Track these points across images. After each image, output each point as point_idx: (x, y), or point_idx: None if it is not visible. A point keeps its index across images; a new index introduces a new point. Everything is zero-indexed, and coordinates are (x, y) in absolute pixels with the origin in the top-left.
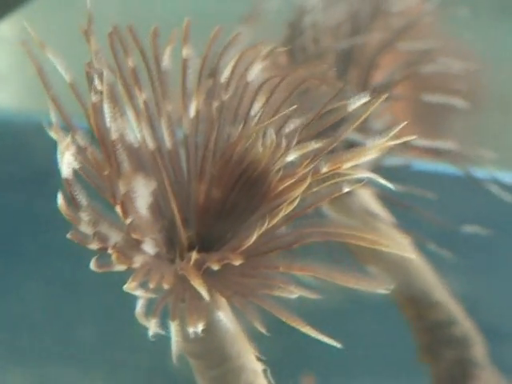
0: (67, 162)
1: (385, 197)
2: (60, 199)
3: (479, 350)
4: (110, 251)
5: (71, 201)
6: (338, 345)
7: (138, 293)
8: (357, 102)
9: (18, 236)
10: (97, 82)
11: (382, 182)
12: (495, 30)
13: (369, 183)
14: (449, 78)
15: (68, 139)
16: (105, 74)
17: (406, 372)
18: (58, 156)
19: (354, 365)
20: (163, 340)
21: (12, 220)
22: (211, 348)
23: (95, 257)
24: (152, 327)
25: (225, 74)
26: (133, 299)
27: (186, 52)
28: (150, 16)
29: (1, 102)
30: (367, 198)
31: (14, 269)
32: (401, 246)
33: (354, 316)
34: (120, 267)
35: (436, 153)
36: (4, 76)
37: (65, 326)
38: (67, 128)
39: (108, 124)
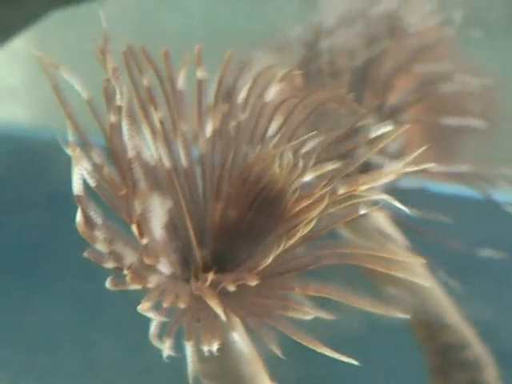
0: (78, 179)
1: (399, 220)
2: (78, 216)
3: (491, 373)
4: (124, 271)
5: (86, 219)
6: (355, 362)
7: (151, 315)
8: (378, 131)
9: (36, 255)
10: (116, 98)
11: (397, 204)
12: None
13: (384, 206)
14: (463, 98)
15: (79, 155)
16: (123, 91)
17: None
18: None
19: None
20: (180, 360)
21: (30, 239)
22: (225, 369)
23: (111, 276)
24: (166, 348)
25: (242, 95)
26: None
27: (200, 74)
28: (164, 33)
29: (15, 118)
30: (382, 221)
31: (33, 288)
32: (414, 271)
33: (367, 337)
34: (135, 286)
35: (451, 175)
36: (18, 91)
37: (83, 345)
38: (84, 145)
39: (125, 142)
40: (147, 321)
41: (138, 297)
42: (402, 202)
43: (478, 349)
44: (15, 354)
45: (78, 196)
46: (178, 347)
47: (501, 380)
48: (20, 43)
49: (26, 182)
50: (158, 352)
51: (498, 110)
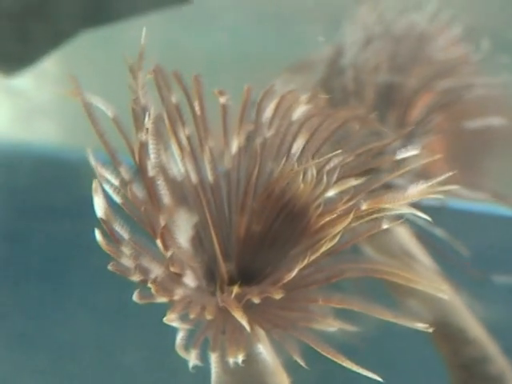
0: (100, 203)
1: (424, 238)
2: (98, 235)
3: None
4: (149, 284)
5: (111, 236)
6: (378, 378)
7: (177, 324)
8: (405, 154)
9: (66, 265)
10: (146, 117)
11: (422, 217)
12: None
13: (409, 224)
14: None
15: (104, 172)
16: (152, 110)
17: None
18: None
19: None
20: (204, 370)
21: (60, 249)
22: (250, 380)
23: (137, 289)
24: (192, 359)
25: (267, 113)
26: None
27: (222, 100)
28: (190, 56)
29: (44, 137)
30: (407, 239)
31: (61, 295)
32: (436, 285)
33: (389, 350)
34: (161, 299)
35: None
36: (47, 110)
37: (108, 351)
38: (112, 162)
39: (151, 160)
40: (172, 330)
41: (165, 305)
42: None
43: (501, 362)
44: (42, 359)
45: (101, 219)
46: (204, 358)
47: None
48: (48, 63)
49: (55, 192)
50: (182, 361)
51: None
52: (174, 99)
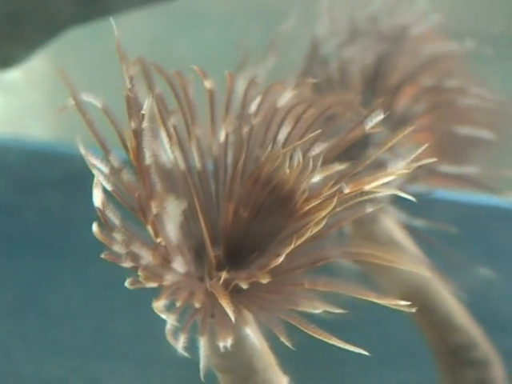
0: (98, 194)
1: (409, 228)
2: (95, 227)
3: (498, 371)
4: (139, 271)
5: (104, 224)
6: (365, 352)
7: (164, 315)
8: (372, 122)
9: (58, 238)
10: (143, 106)
11: (405, 197)
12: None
13: (394, 213)
14: (473, 110)
15: (99, 179)
16: (148, 99)
17: None
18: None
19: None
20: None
21: (48, 220)
22: (238, 362)
23: (130, 275)
24: (181, 344)
25: (255, 101)
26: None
27: (208, 84)
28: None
29: (35, 134)
30: (393, 227)
31: (51, 266)
32: (418, 265)
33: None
34: (151, 285)
35: (460, 180)
36: (37, 108)
37: (98, 319)
38: (102, 150)
39: (145, 148)
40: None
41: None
42: (411, 211)
43: (485, 348)
44: (33, 327)
45: (98, 208)
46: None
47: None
48: (37, 60)
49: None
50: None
51: (507, 124)
52: (157, 90)
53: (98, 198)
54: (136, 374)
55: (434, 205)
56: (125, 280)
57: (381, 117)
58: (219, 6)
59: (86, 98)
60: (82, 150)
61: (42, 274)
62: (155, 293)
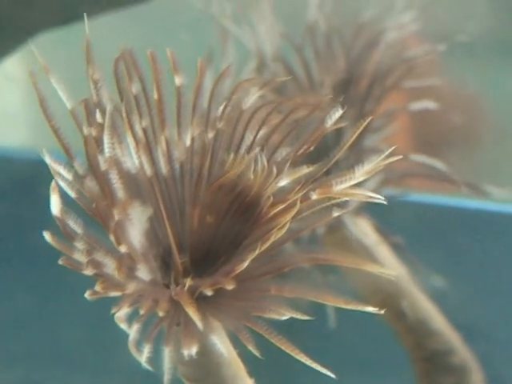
0: (56, 202)
1: (381, 230)
2: (47, 236)
3: (477, 377)
4: (98, 281)
5: (64, 233)
6: (331, 374)
7: (125, 326)
8: (333, 119)
9: (2, 242)
10: (99, 112)
11: (374, 198)
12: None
13: (367, 215)
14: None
15: (55, 184)
16: (108, 104)
17: None
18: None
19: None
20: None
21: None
22: (206, 371)
23: (89, 288)
24: (145, 354)
25: (220, 103)
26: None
27: (178, 80)
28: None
29: (10, 141)
30: (365, 230)
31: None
32: (389, 268)
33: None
34: (113, 294)
35: (433, 179)
36: (13, 115)
37: (51, 329)
38: (66, 156)
39: (104, 153)
40: (113, 304)
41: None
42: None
43: (463, 353)
44: None
45: (56, 217)
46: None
47: None
48: (11, 66)
49: None
50: (124, 335)
51: (484, 122)
52: (134, 89)
53: (55, 205)
54: (89, 382)
55: (396, 206)
56: (77, 286)
57: (339, 113)
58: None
59: (60, 92)
60: (47, 156)
61: None
62: (110, 300)
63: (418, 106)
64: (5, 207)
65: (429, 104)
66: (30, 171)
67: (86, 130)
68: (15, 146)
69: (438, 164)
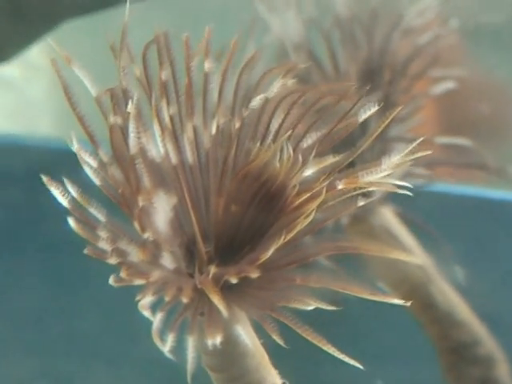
0: (61, 196)
1: (406, 218)
2: (71, 222)
3: (503, 368)
4: (122, 269)
5: (86, 222)
6: (358, 365)
7: (149, 314)
8: (366, 113)
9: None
10: (127, 100)
11: (403, 193)
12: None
13: (392, 203)
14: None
15: (84, 153)
16: (134, 92)
17: None
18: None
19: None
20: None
21: (13, 216)
22: (230, 361)
23: (114, 273)
24: (169, 343)
25: (246, 91)
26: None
27: (208, 65)
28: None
29: (37, 130)
30: (390, 220)
31: (17, 263)
32: (415, 257)
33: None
34: (137, 281)
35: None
36: (37, 103)
37: (68, 319)
38: (91, 144)
39: (130, 141)
40: (133, 294)
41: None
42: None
43: (489, 345)
44: (0, 327)
45: (69, 208)
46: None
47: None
48: (35, 55)
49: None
50: (143, 327)
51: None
52: (164, 75)
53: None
54: (107, 373)
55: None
56: (95, 275)
57: (375, 107)
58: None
59: (84, 79)
60: (73, 143)
61: (8, 271)
62: (128, 290)
63: (441, 88)
64: (23, 196)
65: (451, 85)
66: (48, 159)
67: (111, 118)
68: (40, 134)
69: (465, 142)
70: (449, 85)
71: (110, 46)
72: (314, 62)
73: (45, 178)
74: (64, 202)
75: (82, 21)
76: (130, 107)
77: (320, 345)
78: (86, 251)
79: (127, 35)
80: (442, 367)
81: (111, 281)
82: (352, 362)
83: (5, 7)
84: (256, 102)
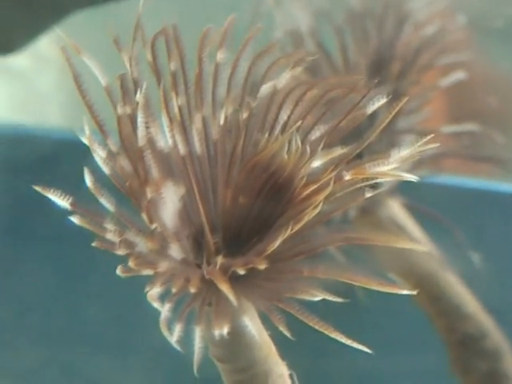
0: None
1: (414, 208)
2: (76, 219)
3: (510, 361)
4: (130, 259)
5: (91, 216)
6: (367, 350)
7: (157, 305)
8: (374, 105)
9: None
10: (136, 90)
11: (408, 177)
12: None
13: (399, 195)
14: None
15: (94, 142)
16: (142, 83)
17: None
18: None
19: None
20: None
21: (19, 204)
22: (238, 352)
23: (122, 264)
24: (176, 333)
25: (255, 82)
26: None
27: (220, 56)
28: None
29: (47, 120)
30: (397, 211)
31: (24, 250)
32: (422, 247)
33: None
34: (146, 272)
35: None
36: (48, 94)
37: (77, 308)
38: (100, 133)
39: (138, 132)
40: (137, 283)
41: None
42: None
43: (496, 337)
44: (4, 313)
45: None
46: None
47: None
48: (45, 46)
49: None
50: (148, 315)
51: None
52: (172, 66)
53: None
54: (113, 363)
55: (422, 188)
56: (104, 265)
57: (383, 99)
58: None
59: (94, 69)
60: (84, 133)
61: (16, 259)
62: (137, 280)
63: (449, 79)
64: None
65: (460, 76)
66: (57, 150)
67: (120, 108)
68: (48, 125)
69: (473, 128)
70: (458, 76)
71: (114, 40)
72: (323, 53)
73: (38, 188)
74: (65, 204)
75: (91, 13)
76: (139, 96)
77: (328, 333)
78: (94, 244)
79: (140, 27)
80: (449, 359)
81: (119, 271)
82: (360, 347)
83: (15, 2)
84: (264, 90)
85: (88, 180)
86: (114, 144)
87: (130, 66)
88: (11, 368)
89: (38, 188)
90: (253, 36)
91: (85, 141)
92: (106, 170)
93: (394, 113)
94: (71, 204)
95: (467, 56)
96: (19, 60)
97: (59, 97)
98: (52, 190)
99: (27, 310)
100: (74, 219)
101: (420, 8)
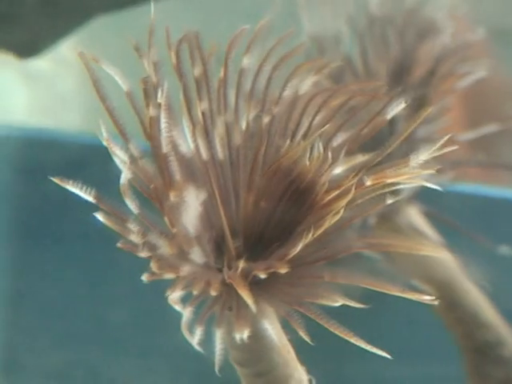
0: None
1: (433, 215)
2: (101, 217)
3: None
4: (152, 262)
5: (117, 215)
6: (386, 354)
7: (179, 307)
8: (393, 111)
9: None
10: (157, 95)
11: (428, 185)
12: None
13: (418, 202)
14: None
15: (115, 147)
16: (164, 86)
17: None
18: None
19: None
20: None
21: (48, 207)
22: (257, 356)
23: (140, 269)
24: (197, 337)
25: (277, 87)
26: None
27: (246, 61)
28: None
29: (66, 125)
30: (416, 218)
31: (49, 252)
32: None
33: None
34: (169, 275)
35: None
36: (68, 98)
37: (100, 311)
38: (122, 138)
39: (163, 136)
40: (162, 287)
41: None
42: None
43: None
44: (31, 317)
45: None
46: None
47: None
48: (66, 50)
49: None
50: (173, 319)
51: None
52: (196, 71)
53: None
54: (137, 365)
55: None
56: (127, 268)
57: (402, 105)
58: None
59: (114, 75)
60: (105, 138)
61: (42, 261)
62: (159, 284)
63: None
64: (56, 189)
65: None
66: (81, 153)
67: (151, 110)
68: (70, 129)
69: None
70: (475, 83)
71: (134, 46)
72: (345, 60)
73: (56, 179)
74: (89, 197)
75: (110, 18)
76: (162, 99)
77: (348, 338)
78: (118, 244)
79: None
80: (465, 366)
81: (144, 277)
82: (380, 352)
83: (38, 1)
84: (287, 94)
85: (122, 178)
86: (135, 148)
87: (152, 70)
88: (36, 371)
89: (65, 184)
90: (279, 43)
91: (106, 145)
92: (127, 174)
93: (417, 122)
94: (95, 197)
95: (486, 65)
96: (40, 63)
97: (79, 100)
98: (78, 185)
99: (53, 312)
100: (99, 216)
101: (440, 17)
